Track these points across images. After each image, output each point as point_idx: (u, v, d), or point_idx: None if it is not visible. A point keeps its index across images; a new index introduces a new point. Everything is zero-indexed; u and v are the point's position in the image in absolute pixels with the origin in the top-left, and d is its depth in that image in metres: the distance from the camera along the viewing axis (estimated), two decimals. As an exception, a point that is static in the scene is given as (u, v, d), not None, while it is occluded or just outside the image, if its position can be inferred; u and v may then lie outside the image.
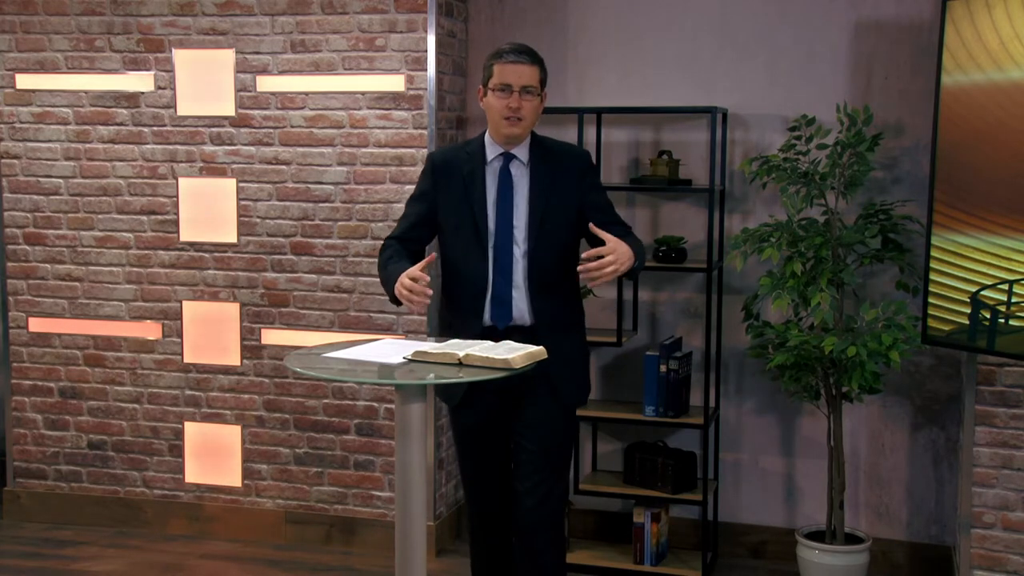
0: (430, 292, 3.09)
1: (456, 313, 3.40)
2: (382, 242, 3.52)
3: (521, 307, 3.32)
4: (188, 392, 4.91)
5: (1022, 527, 3.93)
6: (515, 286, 3.32)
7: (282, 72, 4.68)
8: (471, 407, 3.40)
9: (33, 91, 4.92)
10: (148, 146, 4.84)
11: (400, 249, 3.40)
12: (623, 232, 3.33)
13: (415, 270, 3.12)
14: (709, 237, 4.37)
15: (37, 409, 5.05)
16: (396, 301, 3.21)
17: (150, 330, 4.92)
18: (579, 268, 3.13)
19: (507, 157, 3.37)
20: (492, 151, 3.38)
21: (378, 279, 4.61)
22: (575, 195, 3.37)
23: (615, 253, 3.10)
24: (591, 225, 3.23)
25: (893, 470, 4.55)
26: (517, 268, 3.32)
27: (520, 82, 3.27)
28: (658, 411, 4.42)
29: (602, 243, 3.17)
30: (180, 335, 4.89)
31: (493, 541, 3.56)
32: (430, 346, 2.97)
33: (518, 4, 4.78)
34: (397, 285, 3.14)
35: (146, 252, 4.89)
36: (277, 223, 4.75)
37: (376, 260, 4.62)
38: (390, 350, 3.02)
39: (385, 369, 2.90)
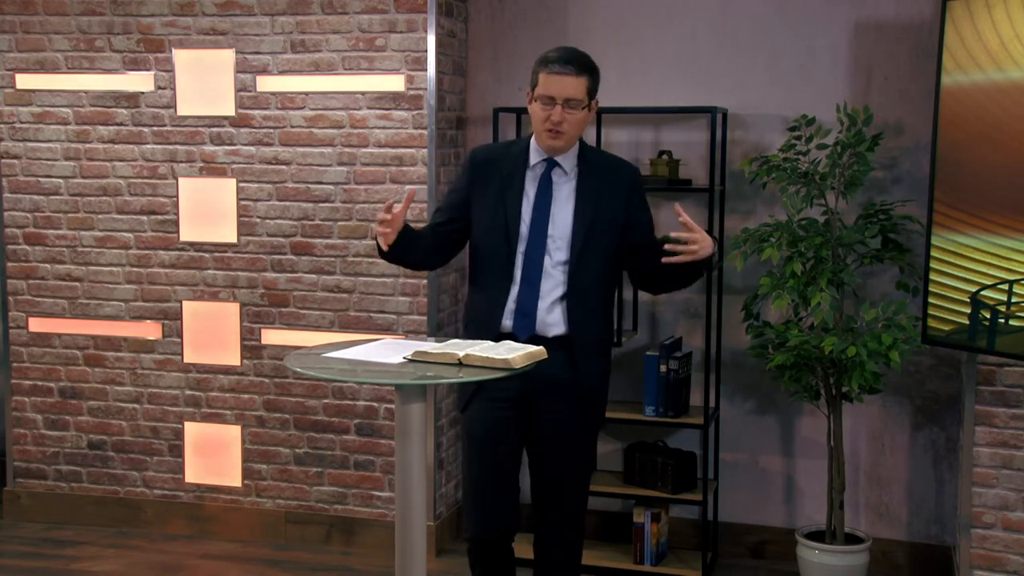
0: (388, 218, 3.07)
1: (474, 315, 3.33)
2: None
3: (545, 319, 3.21)
4: (188, 392, 4.91)
5: (1022, 527, 3.93)
6: (541, 297, 3.21)
7: (282, 72, 4.68)
8: (482, 415, 3.28)
9: (33, 91, 4.92)
10: (148, 146, 4.84)
11: (428, 230, 3.35)
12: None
13: (393, 205, 3.11)
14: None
15: (37, 409, 5.05)
16: (382, 252, 3.19)
17: (150, 330, 4.92)
18: (670, 241, 3.10)
19: (550, 163, 3.26)
20: (536, 155, 3.27)
21: (377, 279, 4.65)
22: (622, 210, 3.26)
23: (702, 237, 3.11)
24: (676, 206, 3.21)
25: (893, 470, 4.55)
26: (546, 279, 3.21)
27: (563, 95, 3.15)
28: (658, 411, 4.43)
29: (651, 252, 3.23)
30: (180, 335, 4.89)
31: (496, 560, 3.38)
32: (430, 346, 2.97)
33: (518, 4, 4.79)
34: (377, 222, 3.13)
35: (146, 252, 4.89)
36: (277, 223, 4.75)
37: (377, 260, 4.65)
38: (390, 350, 3.02)
39: (385, 369, 2.89)
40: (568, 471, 3.31)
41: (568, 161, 3.26)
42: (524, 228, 3.22)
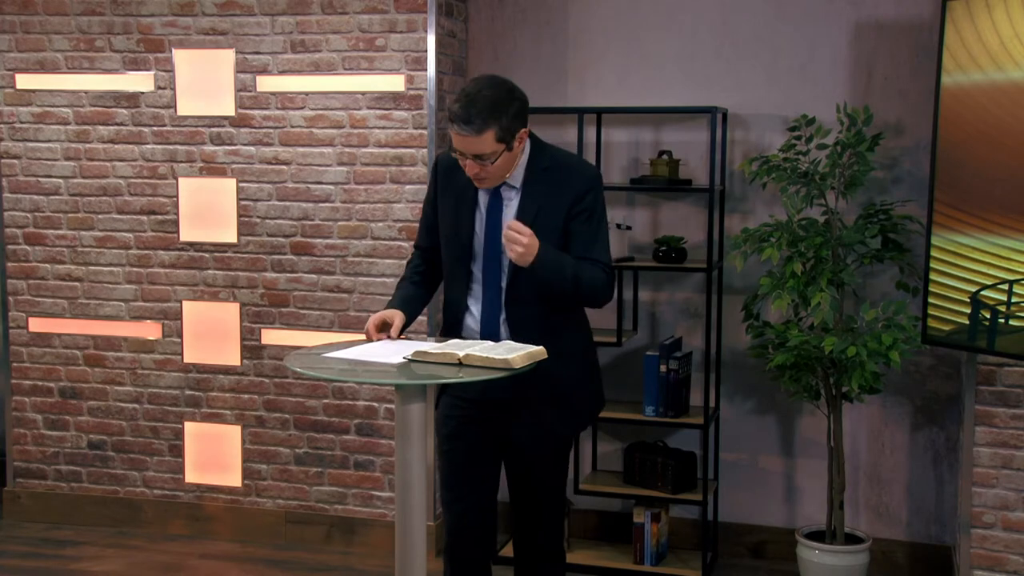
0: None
1: (444, 325, 3.28)
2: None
3: (508, 336, 3.11)
4: (188, 392, 4.91)
5: (1022, 527, 3.93)
6: (503, 315, 3.12)
7: (282, 72, 4.68)
8: (445, 413, 3.24)
9: (33, 91, 4.92)
10: (148, 146, 4.84)
11: (419, 265, 3.32)
12: (588, 265, 3.07)
13: (386, 322, 3.12)
14: (709, 237, 4.37)
15: (37, 409, 5.05)
16: None
17: (150, 330, 4.92)
18: (508, 226, 2.96)
19: None
20: None
21: (377, 279, 4.65)
22: (561, 219, 3.07)
23: (530, 238, 2.93)
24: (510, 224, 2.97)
25: (893, 470, 4.55)
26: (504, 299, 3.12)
27: (469, 152, 2.97)
28: (658, 411, 4.42)
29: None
30: (180, 335, 4.89)
31: (469, 564, 3.29)
32: (430, 346, 2.96)
33: (518, 4, 4.78)
34: (368, 324, 3.14)
35: (146, 252, 4.89)
36: (277, 223, 4.75)
37: (377, 260, 4.65)
38: (390, 350, 3.01)
39: (385, 369, 2.89)
40: (536, 475, 3.23)
41: (517, 176, 3.10)
42: (479, 247, 3.13)
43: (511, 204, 3.12)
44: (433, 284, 3.34)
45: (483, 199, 3.14)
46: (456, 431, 3.22)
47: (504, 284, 3.12)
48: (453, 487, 3.25)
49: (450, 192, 3.19)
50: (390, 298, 3.30)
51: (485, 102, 2.94)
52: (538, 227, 3.03)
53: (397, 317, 3.16)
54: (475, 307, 3.17)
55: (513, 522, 3.33)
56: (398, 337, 3.15)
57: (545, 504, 3.27)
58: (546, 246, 3.00)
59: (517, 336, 3.08)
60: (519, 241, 2.94)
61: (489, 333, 3.13)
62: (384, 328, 3.15)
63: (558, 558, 3.34)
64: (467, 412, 3.21)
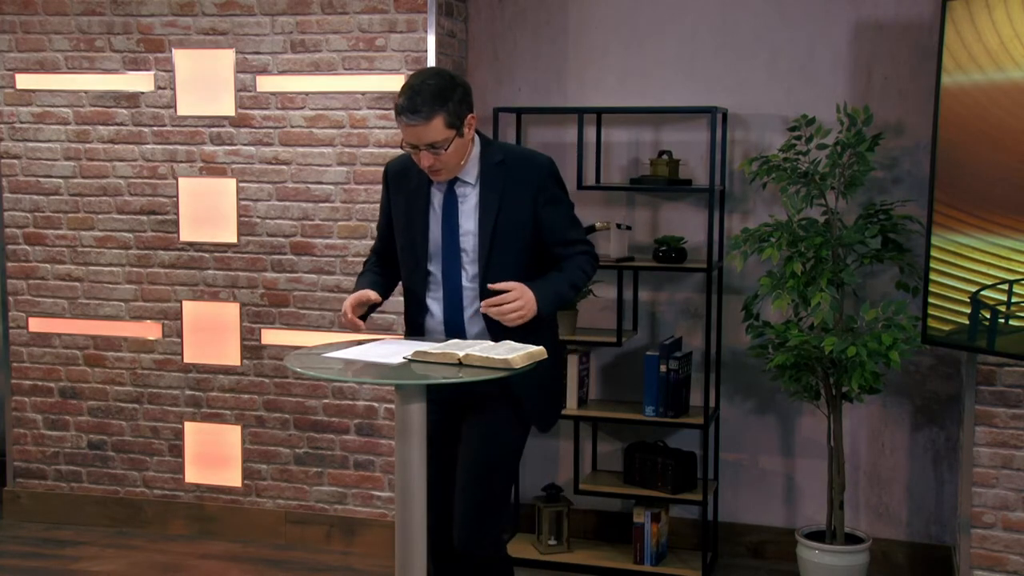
0: (361, 325, 3.13)
1: (406, 327, 3.30)
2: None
3: (471, 331, 3.15)
4: (188, 392, 4.91)
5: (1022, 527, 3.94)
6: (466, 313, 3.15)
7: (282, 72, 4.68)
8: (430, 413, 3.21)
9: (33, 91, 4.92)
10: (148, 146, 4.84)
11: (376, 262, 3.36)
12: (571, 253, 3.19)
13: (359, 300, 3.13)
14: (709, 237, 4.38)
15: (37, 409, 5.05)
16: None
17: (150, 330, 4.92)
18: (482, 307, 3.03)
19: (453, 178, 3.14)
20: None
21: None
22: (528, 210, 3.12)
23: (522, 296, 3.01)
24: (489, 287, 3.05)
25: (893, 470, 4.55)
26: (466, 294, 3.15)
27: (422, 142, 2.99)
28: (658, 411, 4.43)
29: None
30: (180, 335, 4.89)
31: (453, 561, 3.30)
32: (430, 346, 2.96)
33: (518, 4, 4.78)
34: (344, 305, 3.15)
35: (146, 252, 4.89)
36: (277, 223, 4.75)
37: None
38: (390, 350, 3.02)
39: (385, 369, 2.90)
40: (479, 471, 3.20)
41: (470, 172, 3.13)
42: (435, 247, 3.15)
43: (467, 200, 3.15)
44: (393, 279, 3.34)
45: (436, 198, 3.17)
46: (430, 434, 3.16)
47: (464, 282, 3.15)
48: (434, 487, 3.22)
49: (401, 196, 3.23)
50: (354, 288, 3.29)
51: (430, 91, 2.98)
52: (504, 217, 3.10)
53: (371, 293, 3.16)
54: (436, 307, 3.19)
55: (453, 519, 3.23)
56: (376, 303, 3.16)
57: (486, 499, 3.20)
58: (537, 287, 3.07)
59: (497, 334, 3.09)
60: (513, 302, 3.01)
61: (454, 332, 3.15)
62: (361, 306, 3.14)
63: (500, 552, 3.29)
64: (437, 416, 3.18)
